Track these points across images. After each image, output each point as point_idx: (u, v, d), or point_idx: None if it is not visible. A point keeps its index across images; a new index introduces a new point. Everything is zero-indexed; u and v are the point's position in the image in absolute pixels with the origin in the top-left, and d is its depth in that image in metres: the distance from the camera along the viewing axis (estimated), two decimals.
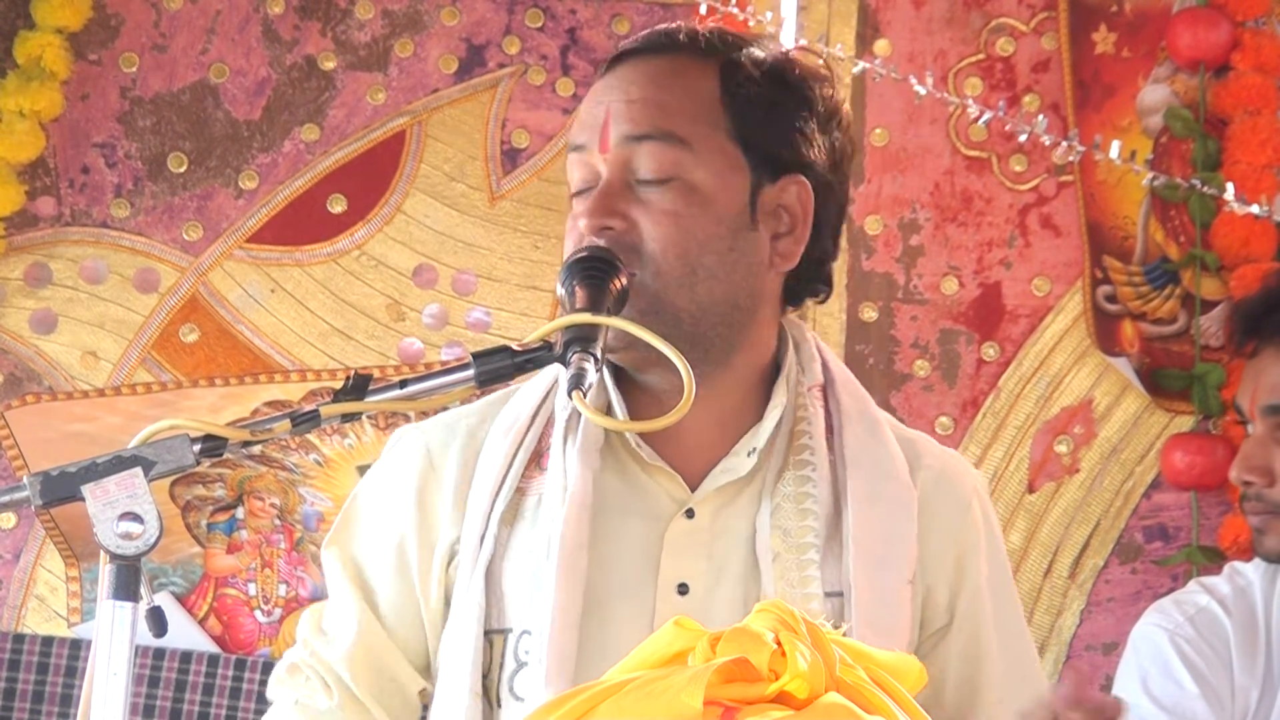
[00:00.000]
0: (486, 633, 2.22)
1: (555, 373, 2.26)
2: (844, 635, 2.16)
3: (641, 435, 2.23)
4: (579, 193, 2.24)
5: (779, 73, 2.26)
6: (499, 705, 2.22)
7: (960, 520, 2.29)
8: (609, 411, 2.24)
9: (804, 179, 2.25)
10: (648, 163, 2.20)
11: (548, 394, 2.30)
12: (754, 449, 2.23)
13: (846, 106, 2.32)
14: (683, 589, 2.20)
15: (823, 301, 2.36)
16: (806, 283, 2.30)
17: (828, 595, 2.19)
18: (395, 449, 2.35)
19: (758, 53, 2.27)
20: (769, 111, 2.23)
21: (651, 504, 2.24)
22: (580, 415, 2.24)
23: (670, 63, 2.25)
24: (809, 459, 2.25)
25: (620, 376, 2.24)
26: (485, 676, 2.22)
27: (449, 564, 2.27)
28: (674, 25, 2.29)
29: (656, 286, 2.17)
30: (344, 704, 2.29)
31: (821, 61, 2.32)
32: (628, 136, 2.20)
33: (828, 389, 2.31)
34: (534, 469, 2.26)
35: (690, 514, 2.23)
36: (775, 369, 2.29)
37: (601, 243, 2.16)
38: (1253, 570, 3.19)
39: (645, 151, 2.20)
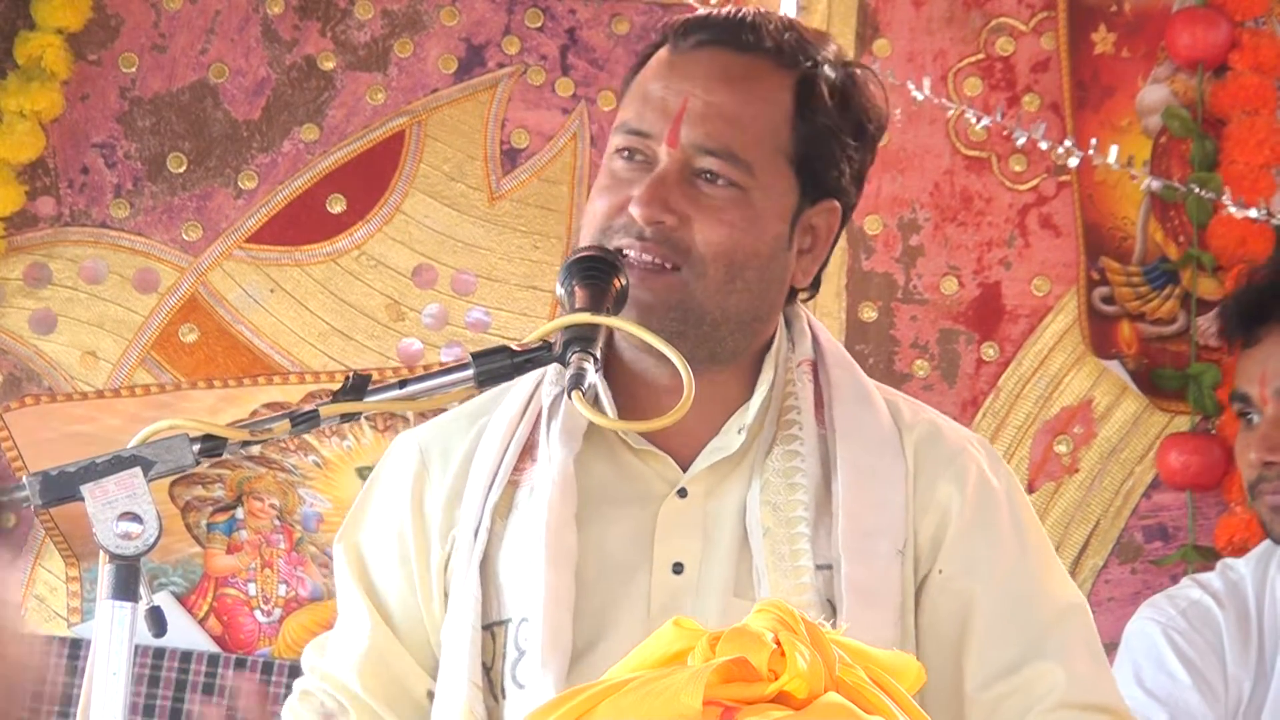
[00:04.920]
0: (487, 625, 2.23)
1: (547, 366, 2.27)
2: (833, 608, 2.18)
3: (629, 421, 2.24)
4: (627, 153, 2.23)
5: (847, 99, 2.26)
6: (504, 696, 2.22)
7: (949, 468, 2.29)
8: (596, 402, 2.25)
9: (838, 205, 2.29)
10: (711, 168, 2.21)
11: (537, 386, 2.31)
12: (743, 427, 2.24)
13: (885, 125, 2.33)
14: (678, 568, 2.21)
15: (809, 299, 2.38)
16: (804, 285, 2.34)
17: (819, 568, 2.20)
18: (390, 454, 2.37)
19: (830, 69, 2.26)
20: (831, 139, 2.25)
21: (644, 486, 2.25)
22: (562, 401, 2.25)
23: (753, 66, 2.24)
24: (796, 433, 2.26)
25: (610, 365, 2.25)
26: (490, 669, 2.23)
27: (447, 562, 2.28)
28: (755, 16, 2.27)
29: (696, 287, 2.19)
30: (359, 717, 2.29)
31: (877, 78, 2.33)
32: (699, 146, 2.21)
33: (818, 364, 2.32)
34: (526, 460, 2.27)
35: (683, 494, 2.24)
36: (764, 349, 2.30)
37: (648, 232, 2.18)
38: (1244, 565, 3.26)
39: (709, 161, 2.21)
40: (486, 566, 2.24)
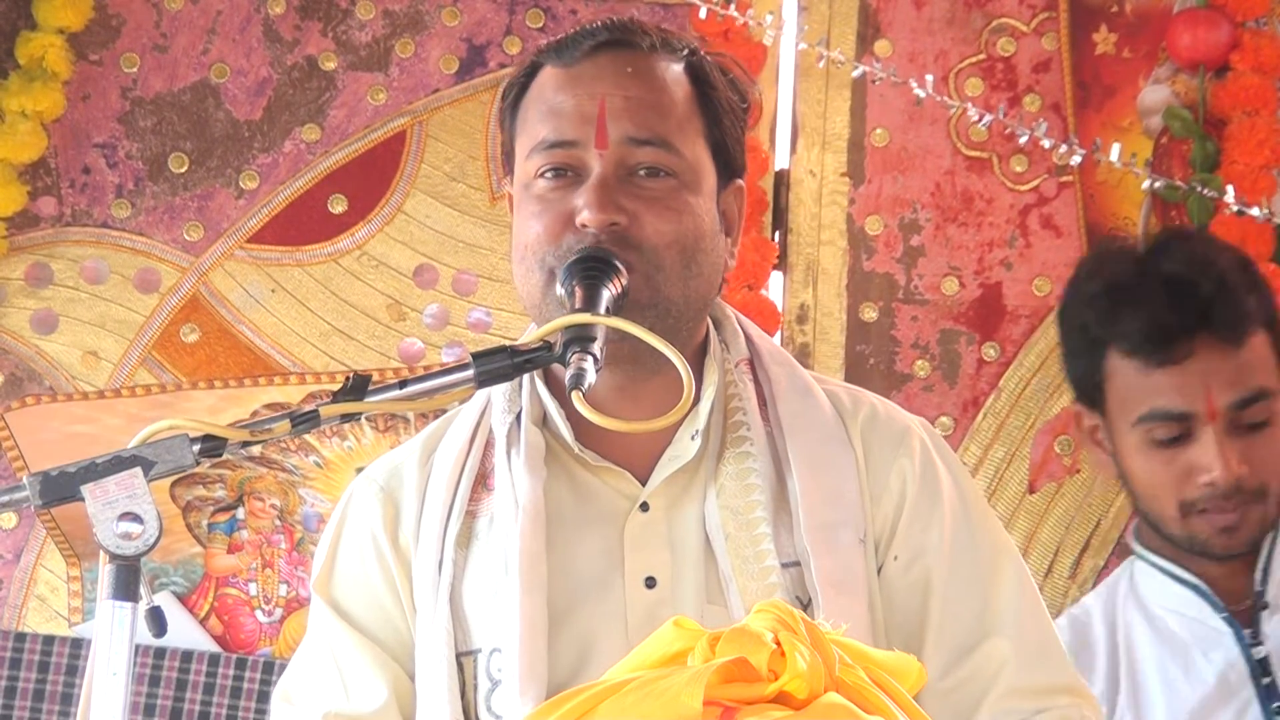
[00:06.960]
0: (456, 656, 2.23)
1: (488, 394, 2.28)
2: (808, 602, 2.18)
3: (583, 440, 2.24)
4: (551, 172, 2.23)
5: (730, 78, 2.32)
6: None
7: (896, 451, 2.30)
8: (545, 421, 2.26)
9: (743, 184, 2.33)
10: (646, 160, 2.21)
11: (483, 415, 2.31)
12: (696, 431, 2.24)
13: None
14: (650, 582, 2.21)
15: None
16: None
17: (784, 566, 2.20)
18: (353, 502, 2.34)
19: (704, 55, 2.32)
20: (732, 117, 2.29)
21: (606, 505, 2.25)
22: (520, 429, 2.25)
23: (650, 59, 2.26)
24: (745, 434, 2.27)
25: (554, 388, 2.25)
26: (461, 700, 2.22)
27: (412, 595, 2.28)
28: (626, 20, 2.31)
29: (656, 280, 2.19)
30: None
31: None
32: (630, 138, 2.21)
33: (755, 362, 2.33)
34: (481, 490, 2.27)
35: (645, 507, 2.24)
36: (701, 351, 2.31)
37: (602, 237, 2.17)
38: (1092, 599, 3.34)
39: (644, 152, 2.21)
40: (451, 598, 2.24)
